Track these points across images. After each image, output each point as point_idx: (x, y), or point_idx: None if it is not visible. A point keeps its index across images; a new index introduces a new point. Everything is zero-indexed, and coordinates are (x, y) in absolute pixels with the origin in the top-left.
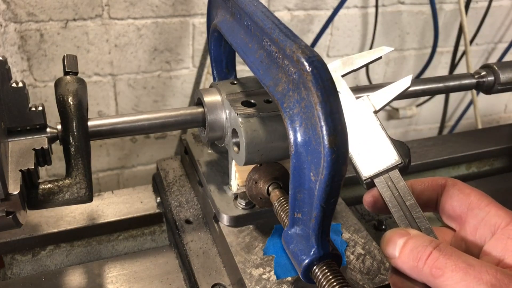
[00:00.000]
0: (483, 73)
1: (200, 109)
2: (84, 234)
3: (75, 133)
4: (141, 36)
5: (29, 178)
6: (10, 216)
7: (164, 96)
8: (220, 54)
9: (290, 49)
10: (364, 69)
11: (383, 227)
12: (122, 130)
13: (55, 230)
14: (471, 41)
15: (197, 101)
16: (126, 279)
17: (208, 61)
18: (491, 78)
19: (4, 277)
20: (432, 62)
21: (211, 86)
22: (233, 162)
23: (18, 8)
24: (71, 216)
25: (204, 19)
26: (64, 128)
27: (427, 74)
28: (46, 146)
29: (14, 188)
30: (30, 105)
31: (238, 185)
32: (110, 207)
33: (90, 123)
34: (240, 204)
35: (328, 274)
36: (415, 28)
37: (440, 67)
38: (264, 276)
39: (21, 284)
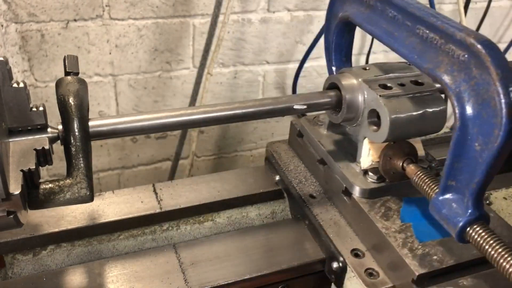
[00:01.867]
0: None
1: (336, 92)
2: (85, 234)
3: (76, 133)
4: (142, 36)
5: (30, 178)
6: (11, 216)
7: (164, 96)
8: (341, 44)
9: (460, 35)
10: None
11: None
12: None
13: (56, 230)
14: None
15: (329, 86)
16: (126, 278)
17: (208, 61)
18: None
19: (5, 276)
20: None
21: (340, 73)
22: (365, 140)
23: (19, 9)
24: (72, 215)
25: (204, 20)
26: (65, 128)
27: None
28: (47, 146)
29: (15, 188)
30: (31, 105)
31: (372, 161)
32: (110, 206)
33: (94, 123)
34: (371, 178)
35: (483, 233)
36: None
37: None
38: (408, 240)
39: (22, 284)
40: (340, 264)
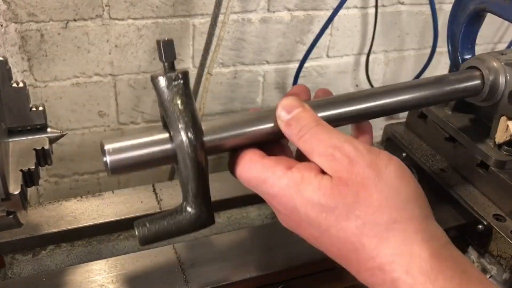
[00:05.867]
0: None
1: (479, 73)
2: (84, 234)
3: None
4: (142, 36)
5: (29, 178)
6: (11, 216)
7: None
8: (469, 33)
9: None
10: (363, 69)
11: None
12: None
13: (56, 230)
14: None
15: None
16: (126, 278)
17: (208, 61)
18: None
19: (5, 276)
20: (431, 63)
21: (478, 58)
22: (502, 118)
23: (18, 9)
24: (72, 216)
25: (204, 20)
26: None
27: (427, 74)
28: (46, 146)
29: (14, 188)
30: (30, 105)
31: (511, 136)
32: (110, 207)
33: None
34: (506, 152)
35: None
36: (414, 29)
37: (439, 68)
38: None
39: (21, 284)
40: (485, 227)
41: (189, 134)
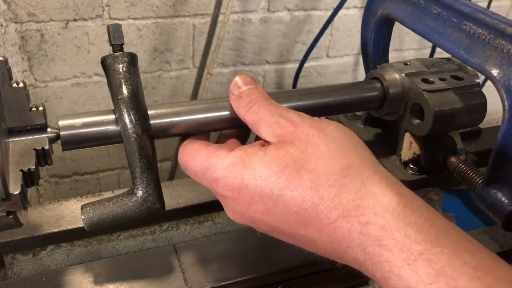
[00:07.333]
0: None
1: (380, 85)
2: (84, 234)
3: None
4: (142, 36)
5: (29, 178)
6: (11, 216)
7: (164, 96)
8: (379, 40)
9: None
10: (363, 70)
11: None
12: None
13: (56, 230)
14: None
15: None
16: (126, 278)
17: (208, 61)
18: None
19: (5, 276)
20: None
21: (381, 68)
22: (406, 133)
23: (18, 9)
24: (72, 215)
25: (204, 20)
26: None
27: None
28: (46, 146)
29: (14, 188)
30: (30, 105)
31: (414, 154)
32: None
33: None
34: (412, 170)
35: None
36: None
37: None
38: None
39: (21, 284)
40: None
41: (131, 116)
